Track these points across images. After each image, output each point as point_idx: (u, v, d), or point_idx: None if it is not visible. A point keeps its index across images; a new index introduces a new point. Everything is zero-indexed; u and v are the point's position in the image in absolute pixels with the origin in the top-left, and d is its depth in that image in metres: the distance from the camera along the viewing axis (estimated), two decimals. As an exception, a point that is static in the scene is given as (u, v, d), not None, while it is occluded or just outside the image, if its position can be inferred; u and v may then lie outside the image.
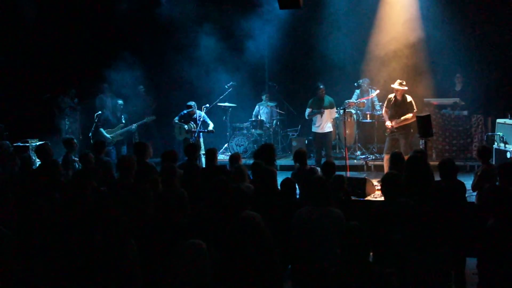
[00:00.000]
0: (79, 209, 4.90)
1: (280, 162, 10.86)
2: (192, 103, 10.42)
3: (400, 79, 9.35)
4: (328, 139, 10.49)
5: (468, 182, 6.61)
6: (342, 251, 3.76)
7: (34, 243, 4.35)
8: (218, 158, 9.83)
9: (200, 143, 10.11)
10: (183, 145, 9.80)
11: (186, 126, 10.33)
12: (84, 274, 4.19)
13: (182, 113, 10.52)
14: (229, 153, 11.61)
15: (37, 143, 10.04)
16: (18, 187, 6.05)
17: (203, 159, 9.49)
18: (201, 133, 10.23)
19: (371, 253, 4.49)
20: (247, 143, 12.15)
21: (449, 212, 5.21)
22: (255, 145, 11.87)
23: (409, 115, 9.09)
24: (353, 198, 6.85)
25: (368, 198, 7.80)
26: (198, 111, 10.39)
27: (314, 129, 10.49)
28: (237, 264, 4.25)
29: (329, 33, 11.48)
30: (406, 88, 9.25)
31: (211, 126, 10.36)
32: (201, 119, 10.26)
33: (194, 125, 10.27)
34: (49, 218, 4.73)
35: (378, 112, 11.44)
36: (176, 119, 10.54)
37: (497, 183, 5.90)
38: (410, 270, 3.98)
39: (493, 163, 8.32)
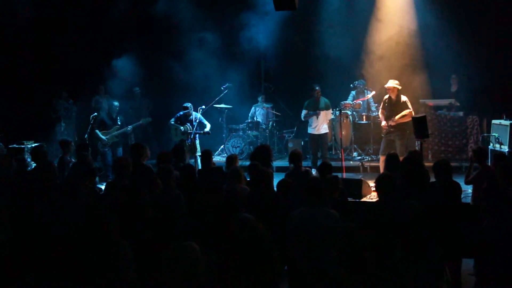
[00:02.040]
0: (73, 210, 4.88)
1: (276, 163, 10.85)
2: (189, 104, 10.40)
3: (393, 79, 9.38)
4: (324, 140, 10.50)
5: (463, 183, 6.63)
6: (338, 252, 3.75)
7: (28, 245, 4.33)
8: (214, 159, 9.86)
9: (196, 144, 10.09)
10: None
11: (182, 128, 10.31)
12: (78, 275, 4.17)
13: (178, 114, 10.50)
14: (225, 154, 11.59)
15: (33, 145, 10.01)
16: (13, 189, 6.02)
17: (199, 161, 9.49)
18: (197, 135, 10.21)
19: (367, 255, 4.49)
20: (243, 144, 12.14)
21: (444, 213, 5.22)
22: (251, 147, 11.87)
23: (406, 111, 9.08)
24: (349, 199, 6.85)
25: (364, 199, 7.80)
26: (194, 113, 10.36)
27: (310, 130, 10.50)
28: (234, 266, 4.24)
29: (325, 34, 11.48)
30: (399, 87, 9.26)
31: (207, 128, 10.33)
32: (197, 121, 10.24)
33: (190, 126, 10.25)
34: (44, 219, 4.72)
35: (374, 113, 11.46)
36: (172, 121, 10.52)
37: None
38: (405, 271, 3.98)
39: (489, 164, 8.33)
